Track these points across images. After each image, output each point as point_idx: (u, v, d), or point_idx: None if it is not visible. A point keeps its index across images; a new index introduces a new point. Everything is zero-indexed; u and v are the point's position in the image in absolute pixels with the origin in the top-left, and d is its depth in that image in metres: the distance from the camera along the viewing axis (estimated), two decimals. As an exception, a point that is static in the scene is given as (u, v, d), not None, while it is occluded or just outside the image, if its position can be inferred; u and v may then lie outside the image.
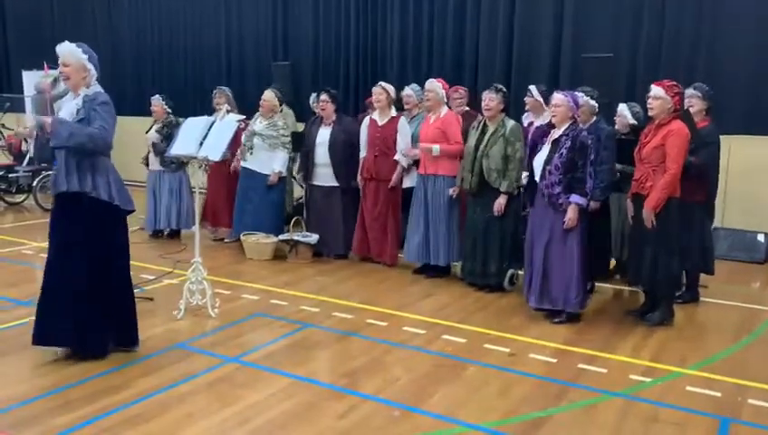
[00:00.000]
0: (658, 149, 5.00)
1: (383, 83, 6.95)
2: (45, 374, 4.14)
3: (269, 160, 7.23)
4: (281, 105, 7.51)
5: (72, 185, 4.13)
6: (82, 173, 4.14)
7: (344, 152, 7.01)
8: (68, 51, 4.20)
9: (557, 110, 5.15)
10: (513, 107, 8.67)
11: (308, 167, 7.22)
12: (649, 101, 5.10)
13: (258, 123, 7.29)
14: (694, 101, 5.63)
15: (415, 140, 6.70)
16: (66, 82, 4.30)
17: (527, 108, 6.56)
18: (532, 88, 6.45)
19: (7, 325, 4.98)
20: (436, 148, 6.22)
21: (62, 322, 4.20)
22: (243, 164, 7.33)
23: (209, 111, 7.80)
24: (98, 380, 4.06)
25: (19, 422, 3.55)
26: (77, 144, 4.05)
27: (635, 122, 6.08)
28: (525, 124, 6.47)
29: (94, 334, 4.29)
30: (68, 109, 4.28)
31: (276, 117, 7.36)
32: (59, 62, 4.22)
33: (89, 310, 4.21)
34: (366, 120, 6.99)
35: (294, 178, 8.16)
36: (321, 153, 7.05)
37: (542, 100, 6.28)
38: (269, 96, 7.35)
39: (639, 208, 5.12)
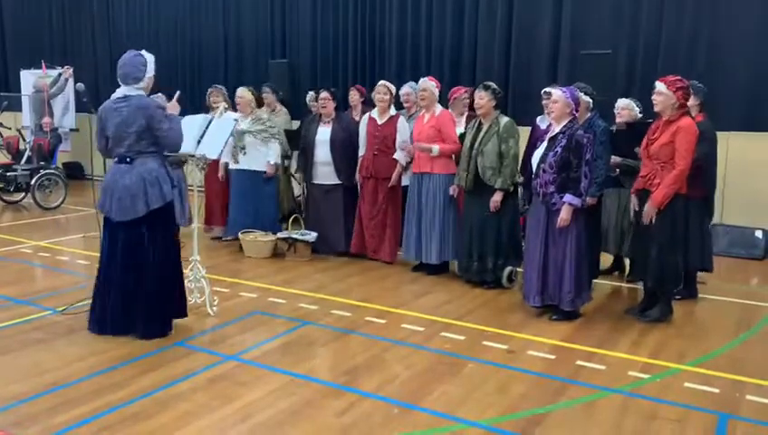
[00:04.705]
0: (668, 146, 4.97)
1: (386, 83, 6.94)
2: (45, 373, 4.14)
3: (263, 156, 7.19)
4: (258, 103, 7.47)
5: None
6: None
7: (345, 150, 7.00)
8: None
9: (554, 106, 5.13)
10: (512, 104, 8.73)
11: (306, 165, 7.21)
12: (653, 96, 5.10)
13: (243, 122, 7.18)
14: None
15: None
16: None
17: (546, 110, 6.45)
18: (550, 89, 6.39)
19: (6, 324, 4.98)
20: (435, 148, 6.22)
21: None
22: (235, 167, 7.25)
23: (205, 109, 7.76)
24: (97, 378, 4.07)
25: (19, 420, 3.55)
26: None
27: (641, 116, 6.07)
28: (544, 127, 6.40)
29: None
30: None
31: (258, 112, 7.34)
32: None
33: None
34: (365, 119, 6.98)
35: (294, 176, 8.16)
36: (322, 152, 7.04)
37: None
38: (242, 92, 7.33)
39: (645, 204, 5.12)
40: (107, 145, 4.68)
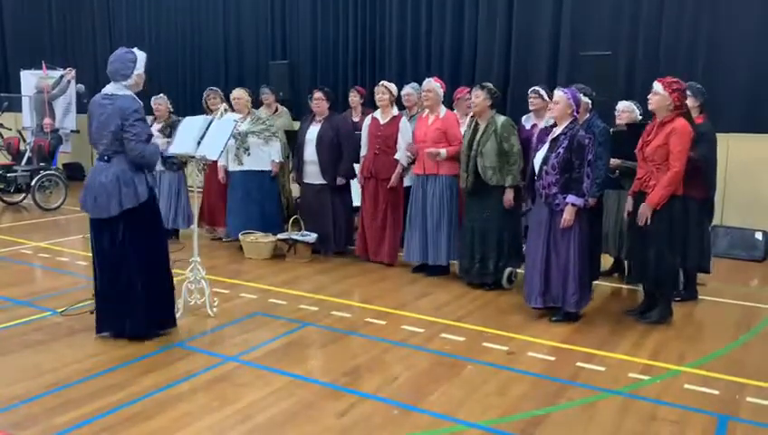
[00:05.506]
0: (662, 147, 4.98)
1: (385, 83, 6.94)
2: (45, 373, 4.14)
3: (267, 155, 7.23)
4: (254, 103, 7.54)
5: None
6: None
7: (331, 149, 6.99)
8: None
9: (556, 107, 5.14)
10: (512, 105, 8.73)
11: (299, 165, 7.23)
12: (649, 95, 5.12)
13: (243, 123, 7.17)
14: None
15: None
16: None
17: (532, 108, 6.44)
18: (539, 88, 6.41)
19: (6, 325, 4.99)
20: (443, 152, 6.21)
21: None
22: (238, 168, 7.24)
23: (204, 111, 7.75)
24: (97, 379, 4.07)
25: (19, 421, 3.56)
26: None
27: (641, 118, 6.08)
28: (528, 127, 6.41)
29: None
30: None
31: (255, 112, 7.40)
32: None
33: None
34: (368, 120, 6.98)
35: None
36: (310, 151, 7.06)
37: (549, 100, 6.27)
38: (239, 93, 7.37)
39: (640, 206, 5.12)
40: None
